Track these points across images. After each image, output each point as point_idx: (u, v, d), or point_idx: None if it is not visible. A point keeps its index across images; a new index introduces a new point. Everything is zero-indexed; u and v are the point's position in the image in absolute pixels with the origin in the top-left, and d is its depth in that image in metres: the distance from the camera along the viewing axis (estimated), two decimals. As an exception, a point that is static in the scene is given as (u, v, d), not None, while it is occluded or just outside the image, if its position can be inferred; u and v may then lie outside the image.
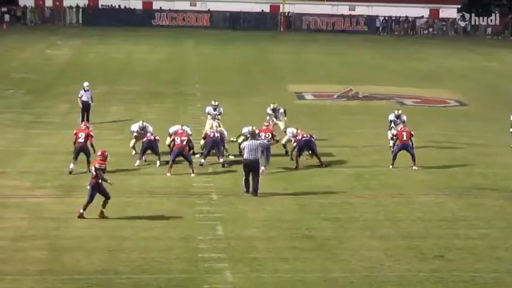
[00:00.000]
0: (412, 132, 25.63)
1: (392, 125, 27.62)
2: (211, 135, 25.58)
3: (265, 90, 41.01)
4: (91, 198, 19.70)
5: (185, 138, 24.59)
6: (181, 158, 24.39)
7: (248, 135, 24.46)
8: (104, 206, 19.74)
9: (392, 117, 27.86)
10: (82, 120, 31.11)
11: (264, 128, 26.22)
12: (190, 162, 24.29)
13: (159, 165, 24.93)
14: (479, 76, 50.36)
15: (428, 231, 19.67)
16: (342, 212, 20.98)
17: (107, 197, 19.76)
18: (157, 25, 75.27)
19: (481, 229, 19.97)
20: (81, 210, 19.71)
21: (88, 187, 19.82)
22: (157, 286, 16.03)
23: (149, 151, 25.28)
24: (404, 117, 27.58)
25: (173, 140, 24.86)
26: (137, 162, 25.02)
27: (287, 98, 39.23)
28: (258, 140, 23.79)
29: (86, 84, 31.92)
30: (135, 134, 26.02)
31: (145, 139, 25.27)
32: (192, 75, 46.39)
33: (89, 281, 16.14)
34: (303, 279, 16.50)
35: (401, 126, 26.58)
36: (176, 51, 58.99)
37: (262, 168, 23.22)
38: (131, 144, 26.16)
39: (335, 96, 40.31)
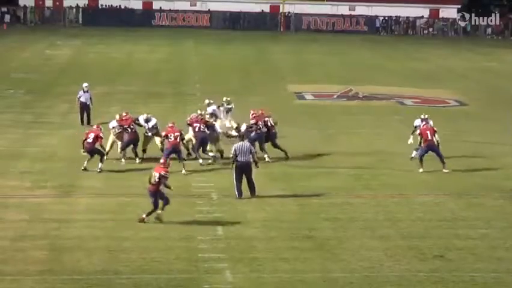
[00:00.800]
0: (435, 129, 25.42)
1: (416, 130, 26.26)
2: (197, 130, 25.24)
3: (265, 90, 41.02)
4: (156, 205, 19.51)
5: (178, 133, 24.38)
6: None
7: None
8: (162, 209, 19.62)
9: (417, 122, 26.55)
10: (82, 121, 31.17)
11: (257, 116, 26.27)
12: (182, 160, 24.29)
13: (139, 162, 25.11)
14: (479, 76, 50.33)
15: (428, 231, 19.67)
16: (342, 212, 20.96)
17: (166, 202, 19.64)
18: (157, 25, 75.24)
19: (481, 229, 19.96)
20: (143, 216, 19.49)
21: (149, 195, 19.63)
22: (157, 286, 16.02)
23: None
24: (431, 122, 26.28)
25: (166, 137, 24.53)
26: (123, 161, 25.08)
27: (287, 98, 39.29)
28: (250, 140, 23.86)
29: (85, 84, 31.89)
30: (115, 131, 25.67)
31: (126, 135, 25.19)
32: (192, 75, 46.38)
33: (89, 281, 16.14)
34: (303, 279, 16.49)
35: (423, 124, 25.74)
36: (176, 51, 58.97)
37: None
38: (119, 148, 25.73)
39: (335, 96, 40.28)
